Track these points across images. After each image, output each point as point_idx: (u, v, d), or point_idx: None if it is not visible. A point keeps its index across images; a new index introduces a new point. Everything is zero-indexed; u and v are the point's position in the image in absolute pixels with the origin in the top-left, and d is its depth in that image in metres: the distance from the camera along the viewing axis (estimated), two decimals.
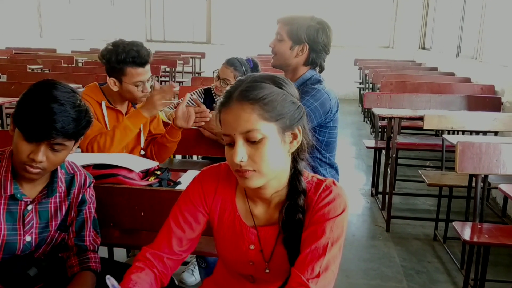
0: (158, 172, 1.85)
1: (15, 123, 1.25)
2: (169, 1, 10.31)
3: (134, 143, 2.20)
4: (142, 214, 1.66)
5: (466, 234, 2.23)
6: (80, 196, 1.44)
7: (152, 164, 1.89)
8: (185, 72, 8.43)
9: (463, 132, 4.11)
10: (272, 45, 2.06)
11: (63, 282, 1.38)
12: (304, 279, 1.03)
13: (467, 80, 5.21)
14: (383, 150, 3.92)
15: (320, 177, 1.16)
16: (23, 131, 1.23)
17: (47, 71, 6.09)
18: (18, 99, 1.28)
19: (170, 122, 2.21)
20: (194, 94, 2.80)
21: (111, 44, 2.03)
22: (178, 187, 1.85)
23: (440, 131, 4.53)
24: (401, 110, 3.59)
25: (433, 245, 3.10)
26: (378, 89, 5.24)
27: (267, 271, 1.20)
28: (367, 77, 6.75)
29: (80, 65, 7.30)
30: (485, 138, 3.50)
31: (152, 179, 1.80)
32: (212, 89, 2.87)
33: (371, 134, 6.19)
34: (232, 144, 1.05)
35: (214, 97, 2.82)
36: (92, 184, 1.48)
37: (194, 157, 3.26)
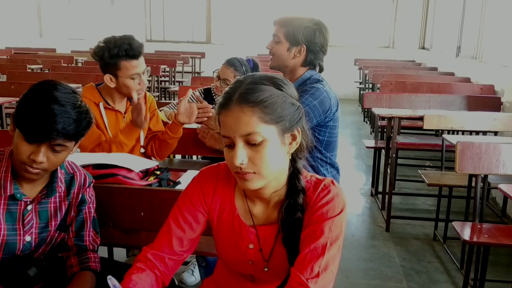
0: (158, 172, 1.85)
1: (16, 123, 1.25)
2: (169, 1, 10.31)
3: (134, 142, 2.20)
4: (142, 214, 1.66)
5: (466, 234, 2.23)
6: (80, 196, 1.44)
7: (151, 164, 1.89)
8: (185, 72, 8.43)
9: (463, 132, 4.11)
10: (270, 47, 2.06)
11: (63, 282, 1.38)
12: (303, 279, 1.03)
13: (467, 80, 5.22)
14: (383, 150, 3.92)
15: (319, 177, 1.16)
16: (23, 131, 1.23)
17: (47, 71, 6.09)
18: (18, 99, 1.28)
19: (170, 122, 2.21)
20: (196, 91, 2.80)
21: (102, 41, 2.03)
22: (178, 187, 1.85)
23: (440, 131, 4.53)
24: (401, 110, 3.59)
25: (433, 245, 3.10)
26: (378, 89, 5.23)
27: (266, 270, 1.20)
28: (367, 77, 6.75)
29: (79, 65, 7.31)
30: (485, 138, 3.50)
31: (151, 179, 1.80)
32: (212, 89, 2.88)
33: (371, 134, 6.19)
34: (231, 146, 1.05)
35: (214, 97, 2.82)
36: (91, 184, 1.48)
37: (194, 157, 3.26)
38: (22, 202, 1.34)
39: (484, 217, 2.54)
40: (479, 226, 2.33)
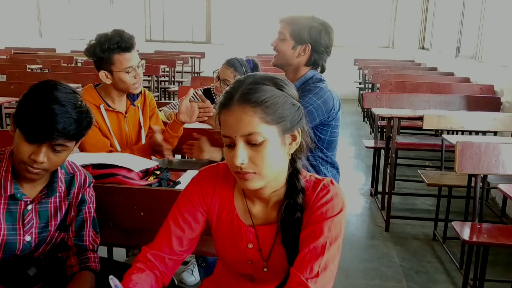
0: (158, 172, 1.85)
1: (16, 123, 1.25)
2: (168, 1, 10.30)
3: (136, 140, 2.20)
4: (142, 214, 1.66)
5: (466, 234, 2.24)
6: (80, 196, 1.44)
7: (151, 164, 1.89)
8: (184, 72, 8.43)
9: (463, 132, 4.12)
10: (274, 44, 2.06)
11: (63, 282, 1.38)
12: (303, 278, 1.03)
13: (467, 80, 5.22)
14: (382, 150, 3.92)
15: (318, 177, 1.17)
16: (24, 132, 1.23)
17: (47, 71, 6.09)
18: (17, 99, 1.28)
19: (170, 122, 2.21)
20: (198, 90, 2.80)
21: (93, 38, 2.04)
22: (178, 187, 1.85)
23: (440, 131, 4.53)
24: (400, 110, 3.59)
25: (433, 245, 3.10)
26: (378, 89, 5.24)
27: (265, 269, 1.20)
28: (367, 77, 6.75)
29: (79, 64, 7.31)
30: (484, 138, 3.50)
31: (151, 179, 1.80)
32: (211, 89, 2.87)
33: (370, 134, 6.20)
34: (232, 146, 1.05)
35: (214, 97, 2.82)
36: (91, 184, 1.49)
37: None
38: (22, 202, 1.34)
39: (484, 217, 2.54)
40: (479, 226, 2.33)
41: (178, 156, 3.20)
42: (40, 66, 6.43)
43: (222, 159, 2.11)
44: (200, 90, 2.89)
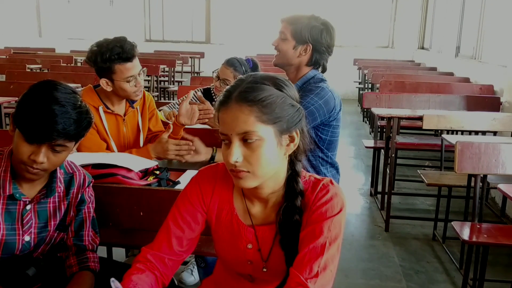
0: (157, 172, 1.84)
1: (16, 124, 1.25)
2: (168, 0, 10.30)
3: (134, 143, 2.20)
4: (141, 213, 1.66)
5: (465, 234, 2.24)
6: (79, 196, 1.44)
7: (151, 163, 1.89)
8: (184, 72, 8.43)
9: (462, 132, 4.12)
10: (276, 44, 2.06)
11: (62, 282, 1.38)
12: (302, 278, 1.03)
13: (466, 80, 5.22)
14: (382, 150, 3.92)
15: (318, 176, 1.16)
16: (23, 132, 1.23)
17: (46, 71, 6.08)
18: (17, 98, 1.28)
19: (170, 122, 2.20)
20: (198, 91, 2.80)
21: (95, 45, 2.01)
22: (177, 187, 1.85)
23: (439, 131, 4.53)
24: (400, 110, 3.59)
25: (432, 245, 3.10)
26: (377, 89, 5.24)
27: (265, 270, 1.20)
28: (366, 77, 6.75)
29: (79, 64, 7.30)
30: (484, 138, 3.50)
31: (151, 179, 1.80)
32: (211, 89, 2.87)
33: (370, 134, 6.20)
34: (228, 143, 1.06)
35: (214, 97, 2.81)
36: (91, 184, 1.48)
37: None
38: (21, 202, 1.33)
39: (483, 217, 2.54)
40: (478, 226, 2.33)
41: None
42: (40, 66, 6.43)
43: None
44: (200, 90, 2.89)
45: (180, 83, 7.63)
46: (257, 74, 1.12)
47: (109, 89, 2.03)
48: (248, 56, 3.03)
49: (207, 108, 2.15)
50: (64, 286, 1.36)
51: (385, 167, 3.55)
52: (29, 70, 5.79)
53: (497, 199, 3.84)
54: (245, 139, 1.03)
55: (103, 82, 2.02)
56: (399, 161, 4.19)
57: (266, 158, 1.05)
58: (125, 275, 1.14)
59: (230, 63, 2.70)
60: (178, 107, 2.18)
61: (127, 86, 2.02)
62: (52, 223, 1.39)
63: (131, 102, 2.18)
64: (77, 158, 1.65)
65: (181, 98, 2.19)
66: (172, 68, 7.44)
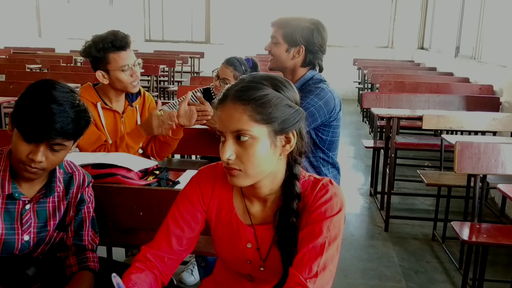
0: (157, 172, 1.84)
1: (14, 123, 1.25)
2: (167, 1, 10.30)
3: (140, 145, 2.20)
4: (141, 213, 1.66)
5: (465, 234, 2.24)
6: (79, 195, 1.44)
7: (151, 163, 1.89)
8: (184, 72, 8.43)
9: (462, 132, 4.12)
10: (268, 48, 2.07)
11: (62, 282, 1.38)
12: (302, 278, 1.02)
13: (466, 80, 5.22)
14: (381, 150, 3.92)
15: (317, 176, 1.16)
16: (22, 131, 1.23)
17: (46, 71, 6.08)
18: (16, 98, 1.28)
19: (170, 123, 2.20)
20: (197, 91, 2.80)
21: (89, 40, 2.05)
22: (177, 187, 1.85)
23: (439, 131, 4.54)
24: (399, 110, 3.59)
25: (432, 245, 3.10)
26: (377, 89, 5.24)
27: (262, 269, 1.20)
28: (366, 77, 6.75)
29: (78, 64, 7.30)
30: (483, 138, 3.50)
31: (150, 179, 1.80)
32: (211, 88, 2.87)
33: (370, 134, 6.20)
34: (225, 141, 1.07)
35: (214, 96, 2.82)
36: (90, 184, 1.48)
37: (193, 157, 3.26)
38: (20, 202, 1.33)
39: (483, 217, 2.54)
40: (478, 226, 2.33)
41: (177, 156, 3.21)
42: (39, 65, 6.42)
43: None
44: (200, 90, 2.89)
45: (180, 83, 7.63)
46: (257, 74, 1.12)
47: (105, 81, 2.04)
48: (248, 56, 3.03)
49: (205, 109, 2.14)
50: (63, 285, 1.36)
51: (385, 167, 3.55)
52: (28, 70, 5.79)
53: (496, 199, 3.84)
54: (239, 138, 1.04)
55: (99, 74, 2.03)
56: (398, 161, 4.18)
57: (259, 158, 1.05)
58: (124, 274, 1.14)
59: (230, 63, 2.70)
60: (177, 106, 2.18)
61: (123, 76, 2.02)
62: (52, 222, 1.39)
63: (130, 100, 2.18)
64: (76, 158, 1.66)
65: (180, 98, 2.18)
66: (172, 68, 7.44)
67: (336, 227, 1.08)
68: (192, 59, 8.93)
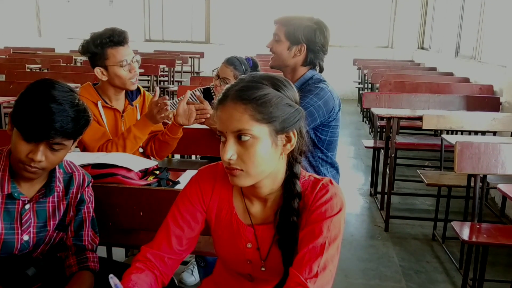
0: (157, 172, 1.84)
1: (14, 122, 1.25)
2: (167, 0, 10.30)
3: (148, 136, 2.20)
4: (141, 213, 1.66)
5: (465, 234, 2.24)
6: (79, 195, 1.44)
7: (151, 163, 1.89)
8: (184, 72, 8.43)
9: (462, 132, 4.12)
10: (270, 46, 2.07)
11: (62, 282, 1.38)
12: (302, 278, 1.02)
13: (466, 80, 5.22)
14: (382, 150, 3.92)
15: (317, 176, 1.16)
16: (21, 131, 1.23)
17: (46, 71, 6.08)
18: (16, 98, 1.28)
19: (169, 122, 2.20)
20: (197, 91, 2.80)
21: (87, 38, 2.06)
22: (177, 187, 1.85)
23: (439, 131, 4.54)
24: (400, 110, 3.59)
25: (432, 245, 3.10)
26: (377, 89, 5.24)
27: (263, 269, 1.20)
28: (366, 77, 6.75)
29: (78, 64, 7.30)
30: (483, 138, 3.50)
31: (151, 179, 1.80)
32: (211, 88, 2.87)
33: (370, 134, 6.19)
34: (225, 141, 1.06)
35: (213, 96, 2.82)
36: (90, 184, 1.48)
37: (193, 157, 3.26)
38: (20, 201, 1.33)
39: (483, 217, 2.54)
40: (478, 226, 2.33)
41: (177, 156, 3.21)
42: (39, 65, 6.42)
43: None
44: (200, 89, 2.89)
45: (179, 83, 7.63)
46: (256, 73, 1.12)
47: (104, 78, 2.04)
48: (248, 56, 3.03)
49: (204, 107, 2.14)
50: (63, 286, 1.36)
51: (385, 167, 3.55)
52: (28, 70, 5.79)
53: (496, 199, 3.84)
54: (240, 137, 1.04)
55: (97, 71, 2.03)
56: (398, 161, 4.19)
57: (260, 157, 1.05)
58: (124, 274, 1.14)
59: (230, 62, 2.70)
60: (177, 105, 2.18)
61: (122, 72, 2.03)
62: (51, 222, 1.39)
63: (130, 99, 2.18)
64: (76, 158, 1.65)
65: (180, 98, 2.18)
66: (172, 68, 7.44)
67: (336, 227, 1.08)
68: (192, 59, 8.93)
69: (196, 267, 2.45)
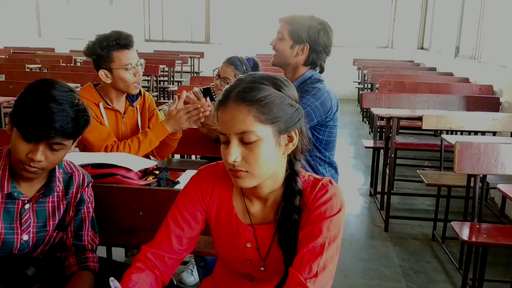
0: (157, 172, 1.84)
1: (13, 122, 1.25)
2: (167, 0, 10.30)
3: None
4: (141, 213, 1.66)
5: (465, 234, 2.24)
6: (79, 195, 1.44)
7: (150, 163, 1.89)
8: (183, 72, 8.43)
9: (462, 132, 4.11)
10: (273, 43, 2.07)
11: (61, 282, 1.38)
12: (302, 278, 1.02)
13: (466, 80, 5.22)
14: (381, 150, 3.92)
15: (317, 176, 1.16)
16: (21, 130, 1.23)
17: (46, 71, 6.08)
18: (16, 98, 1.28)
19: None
20: (191, 93, 2.78)
21: (92, 39, 2.05)
22: (177, 187, 1.85)
23: (439, 131, 4.53)
24: (399, 110, 3.59)
25: (432, 245, 3.10)
26: (377, 89, 5.24)
27: (262, 269, 1.20)
28: (366, 77, 6.75)
29: (78, 64, 7.29)
30: (483, 138, 3.50)
31: (150, 179, 1.80)
32: (211, 88, 2.87)
33: (369, 134, 6.19)
34: (227, 143, 1.06)
35: (214, 96, 2.81)
36: (90, 184, 1.48)
37: (193, 157, 3.26)
38: (20, 201, 1.33)
39: (483, 217, 2.53)
40: (478, 226, 2.33)
41: (177, 156, 3.21)
42: (39, 65, 6.42)
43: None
44: (200, 89, 2.89)
45: (179, 83, 7.63)
46: (256, 73, 1.12)
47: (108, 81, 2.03)
48: (248, 56, 3.03)
49: (202, 104, 2.05)
50: (63, 286, 1.36)
51: (385, 167, 3.55)
52: (28, 70, 5.79)
53: (496, 199, 3.84)
54: (243, 139, 1.03)
55: (101, 73, 2.03)
56: (398, 161, 4.19)
57: (265, 158, 1.05)
58: (124, 274, 1.14)
59: (231, 62, 2.69)
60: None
61: (127, 75, 2.02)
62: (51, 222, 1.39)
63: (130, 101, 2.18)
64: (76, 158, 1.65)
65: (176, 96, 2.14)
66: (172, 68, 7.44)
67: (336, 227, 1.08)
68: (192, 59, 8.93)
69: (195, 267, 2.45)
